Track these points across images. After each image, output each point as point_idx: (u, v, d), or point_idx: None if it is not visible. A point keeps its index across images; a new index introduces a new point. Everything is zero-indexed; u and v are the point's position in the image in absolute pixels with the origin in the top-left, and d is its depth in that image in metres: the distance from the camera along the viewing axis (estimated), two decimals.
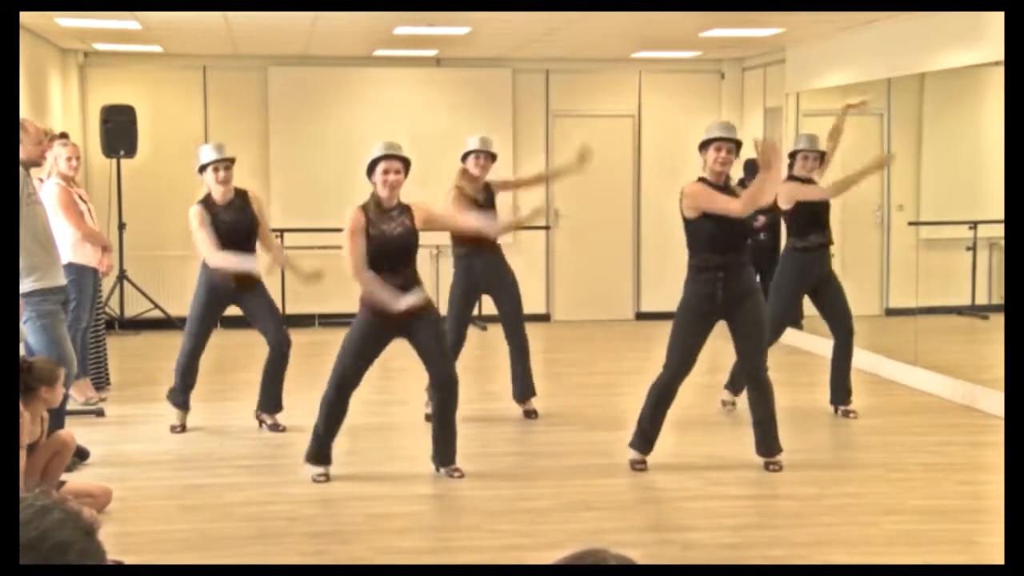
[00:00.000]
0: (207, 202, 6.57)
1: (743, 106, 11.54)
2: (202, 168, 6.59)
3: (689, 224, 5.83)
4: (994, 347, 8.50)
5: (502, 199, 7.44)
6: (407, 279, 5.63)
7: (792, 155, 7.27)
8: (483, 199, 6.94)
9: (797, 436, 6.61)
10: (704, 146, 5.83)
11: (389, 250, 5.57)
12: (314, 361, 7.72)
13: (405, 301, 5.53)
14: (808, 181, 7.12)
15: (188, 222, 6.60)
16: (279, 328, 6.78)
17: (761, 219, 7.34)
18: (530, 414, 7.13)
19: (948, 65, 7.89)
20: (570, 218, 11.68)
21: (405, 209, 5.65)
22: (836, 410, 7.24)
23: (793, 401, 7.44)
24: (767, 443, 5.99)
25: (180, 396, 6.85)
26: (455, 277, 7.13)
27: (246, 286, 6.63)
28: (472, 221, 6.39)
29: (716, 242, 5.75)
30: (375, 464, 6.11)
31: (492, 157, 7.00)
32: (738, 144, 5.85)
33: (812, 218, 7.13)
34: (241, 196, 6.65)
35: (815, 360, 8.77)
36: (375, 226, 5.57)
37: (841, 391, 7.23)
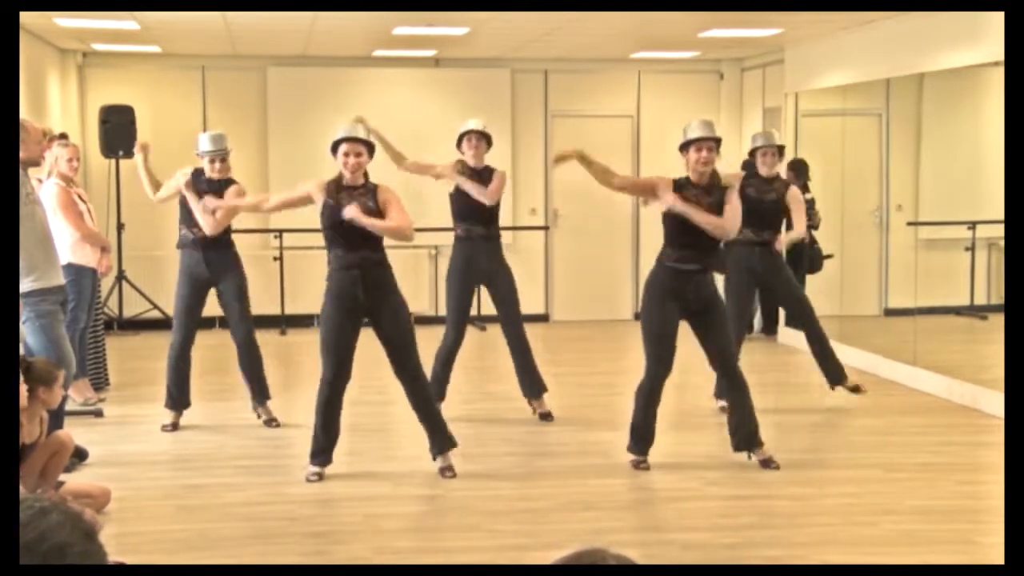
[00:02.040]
0: (198, 172, 6.82)
1: (742, 106, 11.54)
2: (199, 155, 6.83)
3: (664, 217, 5.85)
4: (993, 347, 8.50)
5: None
6: (366, 259, 5.66)
7: (751, 153, 7.33)
8: (477, 181, 6.90)
9: (796, 436, 6.62)
10: (684, 147, 5.84)
11: (346, 227, 5.61)
12: (311, 361, 7.71)
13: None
14: (767, 180, 7.13)
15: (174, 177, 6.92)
16: (242, 321, 6.86)
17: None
18: (545, 416, 7.06)
19: (947, 65, 7.90)
20: (569, 218, 11.68)
21: (372, 190, 5.71)
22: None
23: (791, 401, 7.45)
24: (750, 440, 6.00)
25: (174, 395, 6.85)
26: (453, 263, 7.05)
27: (220, 269, 6.78)
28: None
29: (683, 239, 5.75)
30: (374, 464, 6.11)
31: (486, 138, 6.98)
32: (718, 142, 5.84)
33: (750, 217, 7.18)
34: (227, 183, 6.79)
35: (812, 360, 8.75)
36: (335, 200, 5.65)
37: (832, 372, 7.40)
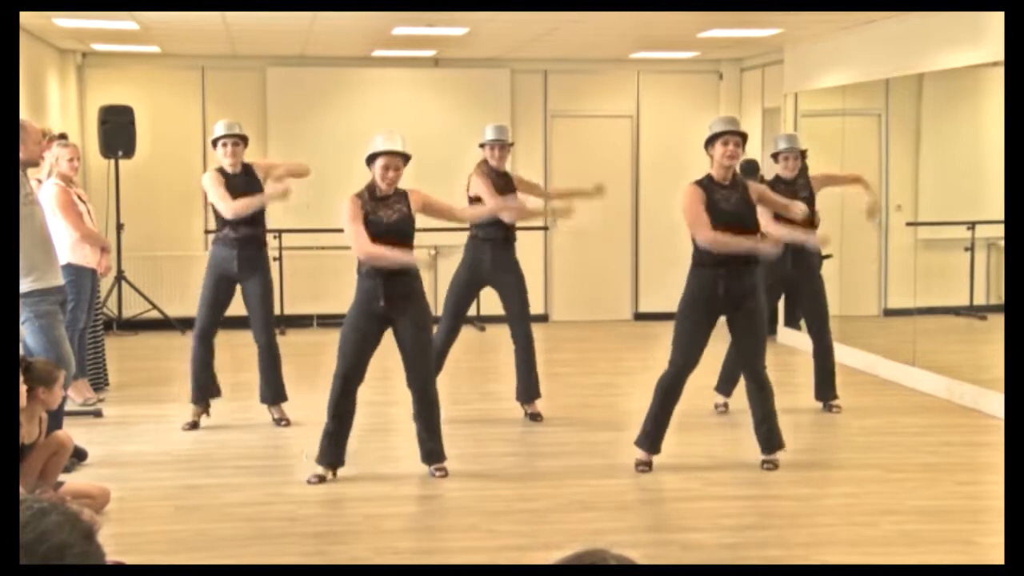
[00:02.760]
0: (221, 170, 6.79)
1: (741, 107, 11.54)
2: (215, 142, 6.82)
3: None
4: (992, 347, 8.49)
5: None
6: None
7: (774, 156, 7.39)
8: (501, 184, 6.96)
9: (795, 436, 6.61)
10: (711, 141, 5.83)
11: (385, 236, 5.61)
12: (313, 361, 7.73)
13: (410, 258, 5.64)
14: (791, 182, 7.19)
15: (201, 185, 6.87)
16: (265, 327, 6.89)
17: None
18: (535, 417, 7.09)
19: (946, 65, 7.89)
20: (568, 219, 11.67)
21: (403, 195, 5.72)
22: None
23: (791, 401, 7.44)
24: (771, 440, 6.00)
25: (202, 385, 6.87)
26: (461, 264, 7.09)
27: (250, 269, 6.78)
28: (476, 210, 6.54)
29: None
30: (373, 465, 6.10)
31: (507, 146, 7.05)
32: (744, 137, 5.86)
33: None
34: (247, 168, 6.83)
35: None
36: (372, 212, 5.65)
37: (823, 388, 7.40)
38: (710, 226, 5.72)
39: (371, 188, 5.69)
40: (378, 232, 5.60)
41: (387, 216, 5.64)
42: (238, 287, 6.91)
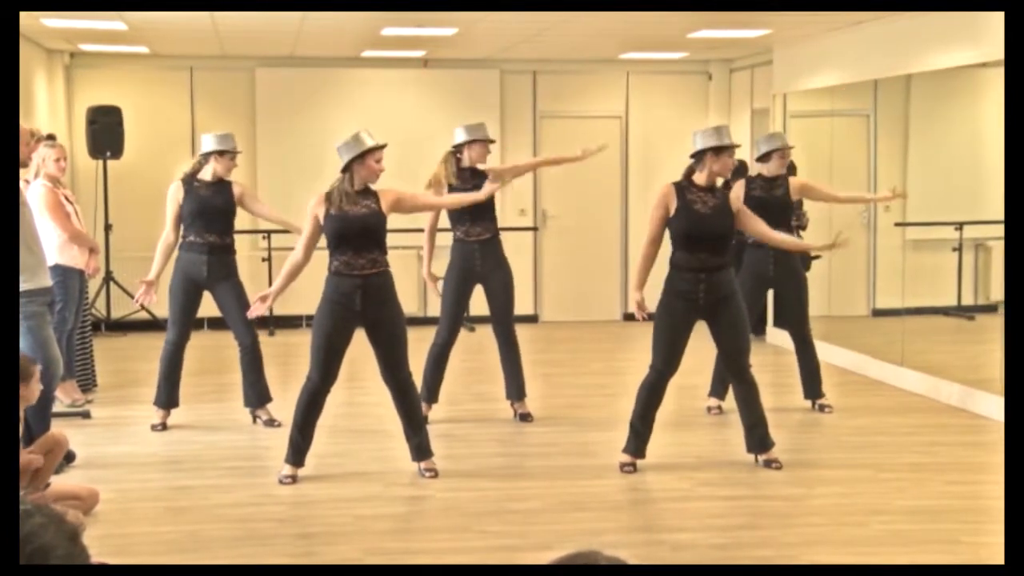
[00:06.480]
0: (188, 179, 6.84)
1: (730, 107, 11.56)
2: (206, 154, 6.85)
3: (670, 221, 5.86)
4: (980, 347, 8.52)
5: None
6: (375, 261, 5.64)
7: (765, 157, 7.25)
8: (469, 187, 6.90)
9: (786, 436, 6.63)
10: (718, 152, 5.78)
11: (351, 230, 5.60)
12: (301, 362, 7.69)
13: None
14: (775, 177, 7.17)
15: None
16: (248, 327, 6.87)
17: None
18: (525, 417, 7.09)
19: (935, 66, 7.91)
20: (558, 219, 11.69)
21: (372, 193, 5.71)
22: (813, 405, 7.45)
23: (781, 401, 7.46)
24: (765, 441, 6.02)
25: (164, 393, 6.85)
26: (451, 262, 7.03)
27: (219, 275, 6.78)
28: (453, 198, 6.56)
29: (693, 241, 5.77)
30: (363, 465, 6.10)
31: (480, 144, 6.99)
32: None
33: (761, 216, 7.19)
34: (226, 183, 6.87)
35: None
36: (336, 207, 5.63)
37: (811, 386, 7.38)
38: (654, 240, 5.89)
39: (340, 187, 5.67)
40: (343, 225, 5.59)
41: (352, 210, 5.62)
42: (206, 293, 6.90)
